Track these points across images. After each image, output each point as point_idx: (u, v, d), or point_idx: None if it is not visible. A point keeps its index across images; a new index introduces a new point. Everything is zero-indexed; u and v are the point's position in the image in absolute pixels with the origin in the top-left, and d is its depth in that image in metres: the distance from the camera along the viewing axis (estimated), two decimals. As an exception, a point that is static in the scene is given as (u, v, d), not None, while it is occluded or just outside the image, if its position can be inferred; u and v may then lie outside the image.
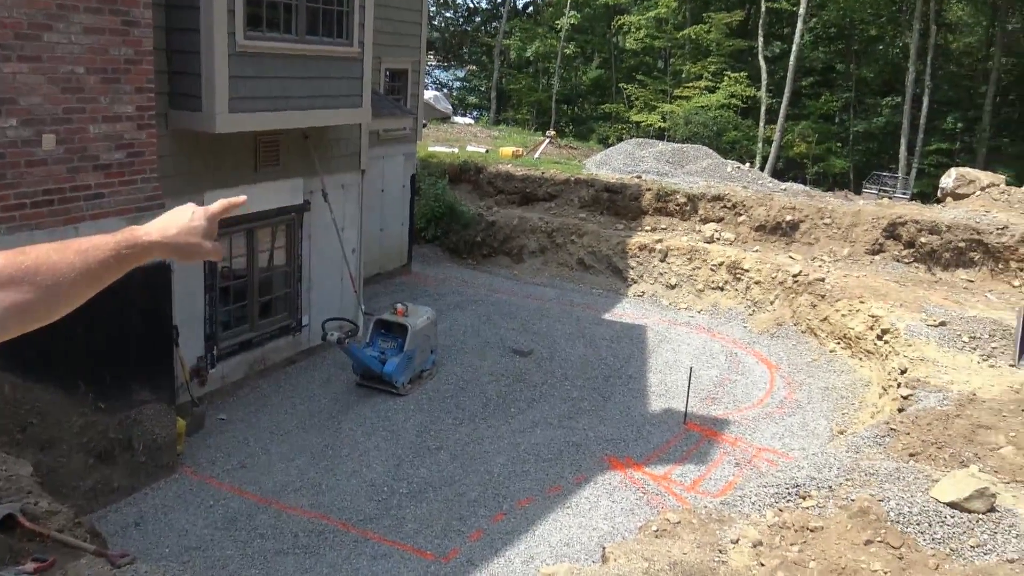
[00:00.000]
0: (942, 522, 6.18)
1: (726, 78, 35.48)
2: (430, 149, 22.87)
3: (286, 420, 10.85)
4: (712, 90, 35.46)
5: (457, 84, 50.45)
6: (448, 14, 49.56)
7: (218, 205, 1.78)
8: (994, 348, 11.21)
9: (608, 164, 21.31)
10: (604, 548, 6.06)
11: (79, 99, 7.73)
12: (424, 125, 22.22)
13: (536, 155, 24.25)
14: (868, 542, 6.01)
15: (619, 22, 38.67)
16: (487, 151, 23.47)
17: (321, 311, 12.52)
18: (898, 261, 16.11)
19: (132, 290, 8.40)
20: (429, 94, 31.19)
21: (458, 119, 35.74)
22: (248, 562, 7.90)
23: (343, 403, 11.46)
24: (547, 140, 26.69)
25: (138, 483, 8.81)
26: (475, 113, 45.84)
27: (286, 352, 12.36)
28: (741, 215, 17.88)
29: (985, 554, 5.85)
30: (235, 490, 9.13)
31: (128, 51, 8.07)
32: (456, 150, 23.28)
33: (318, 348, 12.73)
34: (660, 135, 34.19)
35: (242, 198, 1.85)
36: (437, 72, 49.39)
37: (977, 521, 6.21)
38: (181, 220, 1.69)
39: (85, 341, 8.06)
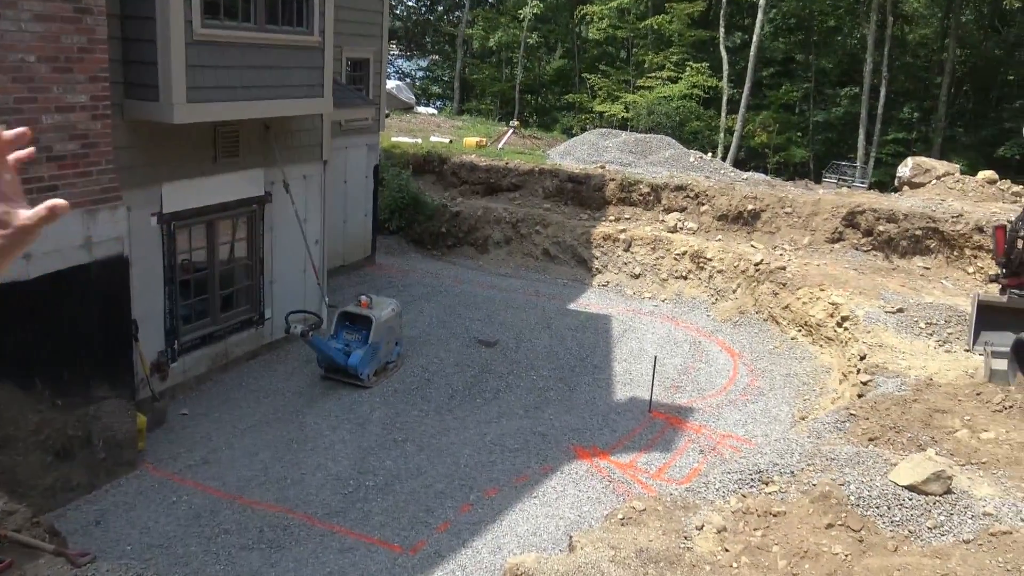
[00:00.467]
0: (900, 505, 6.32)
1: (688, 68, 35.73)
2: (393, 139, 22.70)
3: (250, 414, 10.74)
4: (674, 80, 35.68)
5: (420, 74, 50.12)
6: (410, 3, 49.25)
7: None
8: (950, 334, 11.46)
9: (572, 154, 21.35)
10: (571, 537, 6.09)
11: (30, 88, 7.53)
12: (387, 115, 22.05)
13: (500, 145, 24.21)
14: (829, 526, 6.12)
15: (582, 12, 38.68)
16: (451, 141, 23.37)
17: (284, 304, 12.40)
18: (857, 249, 16.37)
19: (89, 285, 8.24)
20: (392, 84, 30.94)
21: (421, 109, 35.53)
22: (212, 558, 7.82)
23: (308, 396, 11.37)
24: (511, 130, 26.65)
25: (98, 480, 8.66)
26: (438, 103, 45.59)
27: (249, 346, 12.22)
28: (704, 205, 18.03)
29: (942, 535, 5.99)
30: (198, 486, 9.02)
31: (81, 39, 7.88)
32: (420, 140, 23.14)
33: (282, 341, 12.60)
34: (623, 125, 34.33)
35: (24, 129, 1.40)
36: (400, 62, 49.02)
37: (934, 503, 6.35)
38: None
39: (41, 337, 7.89)
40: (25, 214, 1.32)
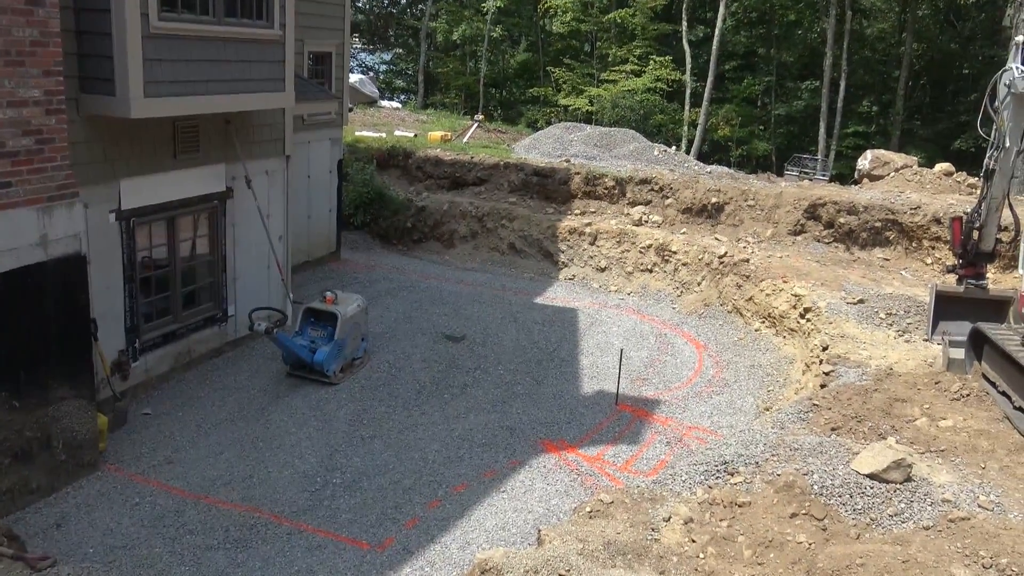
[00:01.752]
0: (862, 493, 6.43)
1: (652, 62, 35.90)
2: (357, 134, 22.52)
3: (214, 413, 10.61)
4: (638, 74, 35.83)
5: (383, 67, 49.72)
6: (373, -5, 48.77)
7: None
8: (909, 324, 11.68)
9: (537, 148, 21.36)
10: (540, 531, 6.11)
11: (-18, 83, 7.34)
12: (350, 109, 21.87)
13: (465, 139, 24.14)
14: (793, 515, 6.21)
15: (545, 5, 38.66)
16: (415, 135, 23.25)
17: (248, 300, 12.26)
18: (819, 241, 16.60)
19: (46, 283, 8.06)
20: (355, 77, 30.66)
21: (385, 103, 35.27)
22: (177, 559, 7.72)
23: (273, 394, 11.26)
24: (475, 124, 26.57)
25: (58, 482, 8.51)
26: (402, 97, 45.29)
27: (212, 343, 12.06)
28: (668, 198, 18.16)
29: (903, 522, 6.11)
30: (162, 486, 8.89)
31: (33, 32, 7.68)
32: (384, 135, 22.99)
33: (246, 338, 12.46)
34: (588, 119, 34.40)
35: None
36: (362, 55, 48.59)
37: (895, 491, 6.48)
38: None
39: (-4, 337, 7.71)
40: None
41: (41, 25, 7.76)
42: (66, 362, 8.47)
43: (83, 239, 8.59)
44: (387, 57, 50.29)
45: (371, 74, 45.46)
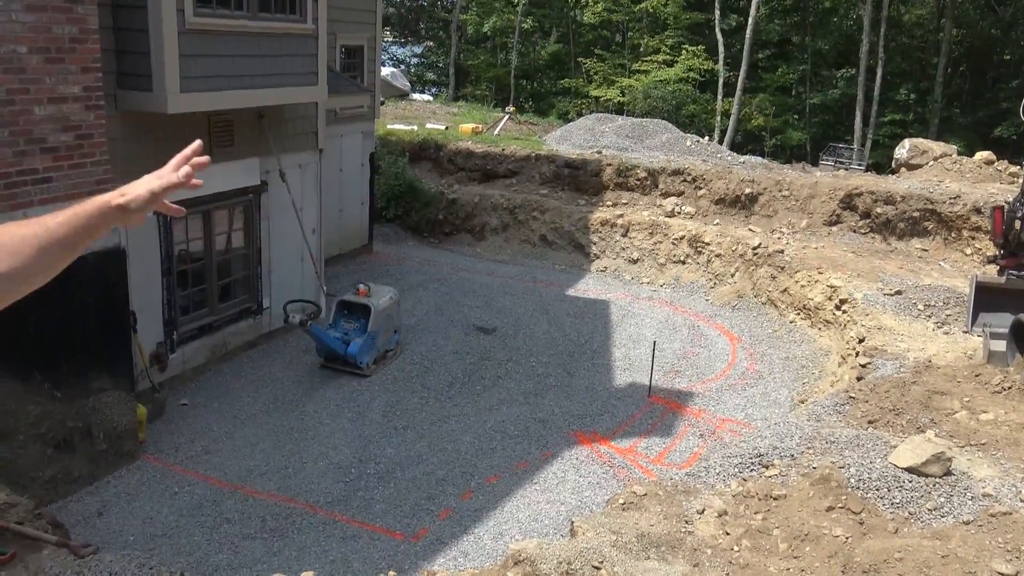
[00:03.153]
0: (900, 487, 6.34)
1: (684, 52, 35.58)
2: (388, 127, 22.61)
3: (250, 404, 10.74)
4: (670, 64, 35.55)
5: (414, 60, 49.83)
6: (404, -11, 48.89)
7: (171, 164, 1.95)
8: (948, 315, 11.48)
9: (568, 140, 21.29)
10: (572, 522, 6.11)
11: (22, 80, 7.47)
12: (382, 102, 21.95)
13: (496, 131, 24.13)
14: (830, 508, 6.14)
15: (576, -4, 38.51)
16: (446, 128, 23.28)
17: (282, 293, 12.38)
18: (855, 232, 16.37)
19: (87, 277, 8.21)
20: (386, 71, 30.78)
21: (416, 96, 35.36)
22: (215, 547, 7.84)
23: (307, 385, 11.37)
24: (506, 116, 26.54)
25: (99, 472, 8.67)
26: (433, 90, 45.37)
27: (247, 335, 12.21)
28: (701, 189, 18.01)
29: (942, 517, 6.01)
30: (200, 476, 9.03)
31: (72, 29, 7.81)
32: (415, 127, 23.05)
33: (280, 331, 12.59)
34: (619, 110, 34.23)
35: (197, 143, 1.95)
36: (394, 48, 48.73)
37: (934, 485, 6.37)
38: (137, 186, 1.86)
39: (39, 329, 7.87)
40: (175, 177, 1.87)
41: (80, 22, 7.88)
42: (106, 353, 8.63)
43: (122, 233, 8.73)
44: (418, 50, 50.39)
45: (402, 67, 45.61)
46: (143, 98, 9.18)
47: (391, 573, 6.41)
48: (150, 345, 10.31)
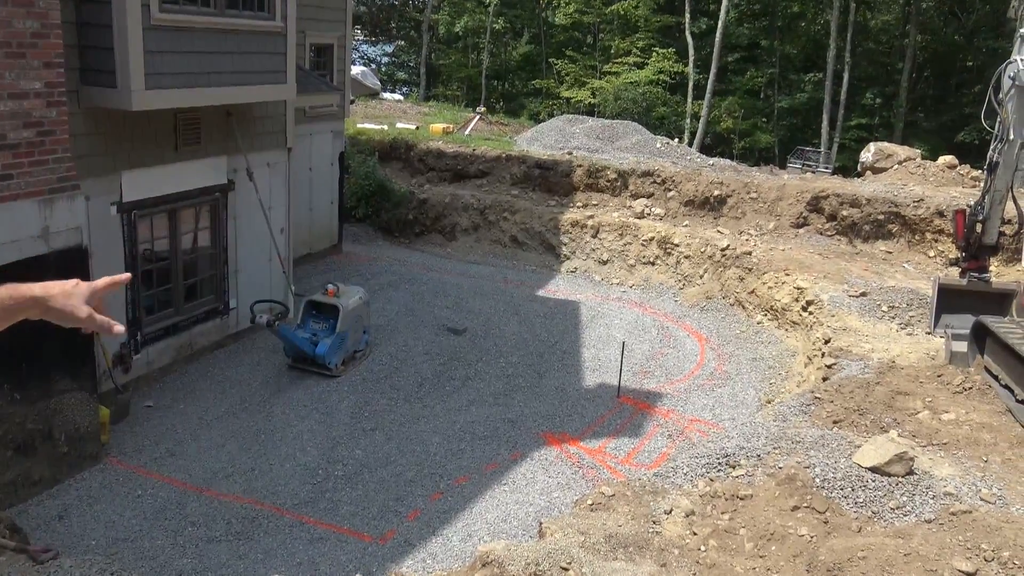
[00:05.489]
0: (864, 486, 6.42)
1: (654, 54, 35.80)
2: (359, 126, 22.48)
3: (216, 405, 10.61)
4: (641, 66, 35.75)
5: (385, 60, 49.66)
6: (375, -13, 48.62)
7: (102, 282, 1.99)
8: (911, 317, 11.65)
9: (539, 140, 21.31)
10: (541, 523, 6.11)
11: (-18, 75, 7.33)
12: (352, 101, 21.83)
13: (467, 132, 24.09)
14: (795, 508, 6.20)
15: (548, -3, 38.60)
16: (417, 128, 23.20)
17: (249, 293, 12.25)
18: (821, 234, 16.56)
19: (48, 276, 8.05)
20: (356, 70, 30.59)
21: (387, 95, 35.21)
22: (179, 551, 7.73)
23: (274, 386, 11.27)
24: (477, 116, 26.51)
25: (61, 474, 8.52)
26: (404, 89, 45.23)
27: (214, 336, 12.06)
28: (671, 190, 18.11)
29: (904, 515, 6.10)
30: (164, 478, 8.91)
31: (33, 24, 7.67)
32: (385, 127, 22.94)
33: (247, 331, 12.46)
34: (590, 111, 34.35)
35: (126, 276, 2.04)
36: (364, 47, 48.51)
37: (897, 484, 6.46)
38: (65, 285, 1.94)
39: (-2, 330, 7.71)
40: (84, 311, 1.91)
41: (42, 16, 7.74)
42: (68, 354, 8.48)
43: (84, 231, 8.59)
44: (389, 49, 50.21)
45: (373, 66, 45.39)
46: (107, 95, 9.04)
47: (358, 575, 6.37)
48: (113, 346, 10.14)
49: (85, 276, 8.53)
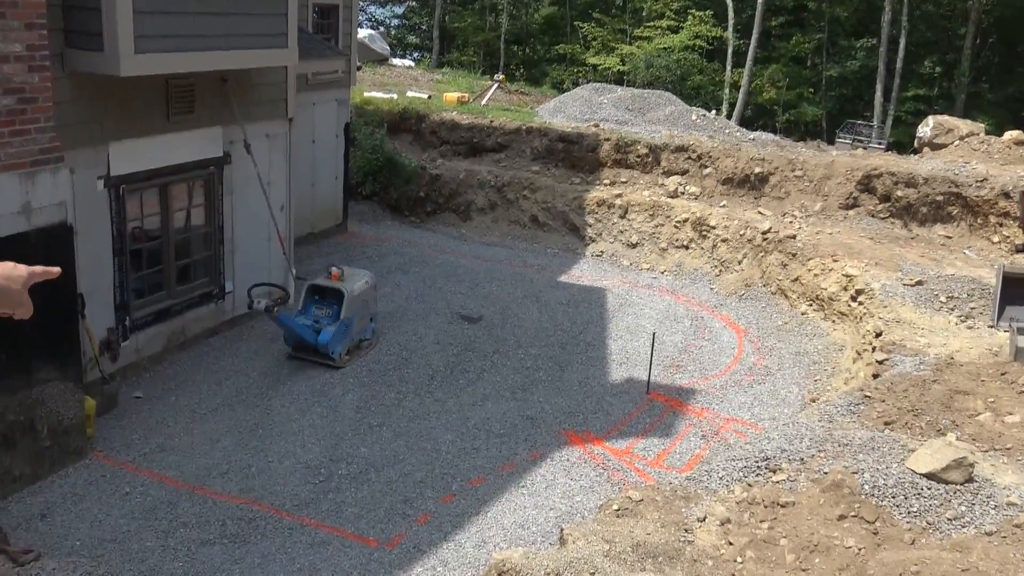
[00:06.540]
0: (918, 494, 6.37)
1: (690, 17, 35.53)
2: (366, 95, 22.48)
3: (210, 397, 10.69)
4: (675, 30, 35.49)
5: (395, 22, 49.55)
6: (384, -57, 48.53)
7: (39, 268, 2.10)
8: (972, 308, 11.53)
9: (563, 111, 21.23)
10: (562, 529, 6.11)
11: (-41, 36, 7.36)
12: (359, 68, 21.81)
13: (484, 101, 24.03)
14: (841, 517, 6.17)
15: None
16: (429, 97, 23.17)
17: (247, 276, 12.30)
18: (873, 216, 16.41)
19: (29, 256, 8.11)
20: (363, 33, 30.58)
21: (396, 61, 35.17)
22: (170, 554, 7.81)
23: (273, 377, 11.33)
24: (495, 85, 26.43)
25: (43, 470, 8.62)
26: (415, 54, 45.16)
27: (208, 322, 12.14)
28: (707, 167, 18.00)
29: (963, 527, 6.05)
30: (154, 475, 8.99)
31: (15, -19, 7.69)
32: (395, 96, 22.93)
33: (244, 317, 12.53)
34: (619, 80, 34.17)
35: (56, 269, 2.15)
36: (372, 8, 48.42)
37: (955, 492, 6.41)
38: (4, 268, 2.03)
39: (-24, 313, 7.78)
40: (24, 297, 2.03)
41: (23, -27, 7.76)
42: (50, 341, 8.55)
43: (69, 208, 8.64)
44: (399, 11, 50.08)
45: (381, 29, 45.30)
46: (93, 59, 9.06)
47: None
48: (100, 331, 10.22)
49: (70, 256, 8.63)
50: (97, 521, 8.17)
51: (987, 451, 7.31)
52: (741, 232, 16.20)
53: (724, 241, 16.43)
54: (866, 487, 6.45)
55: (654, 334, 12.71)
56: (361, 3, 23.23)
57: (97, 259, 10.00)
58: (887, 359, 9.94)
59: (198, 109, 11.15)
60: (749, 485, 6.75)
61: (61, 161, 8.44)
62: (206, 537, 8.08)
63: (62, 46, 9.01)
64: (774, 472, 6.93)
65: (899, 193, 16.22)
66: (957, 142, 19.10)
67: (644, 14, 37.35)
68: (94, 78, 9.35)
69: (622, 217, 17.76)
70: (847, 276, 13.19)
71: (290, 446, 9.74)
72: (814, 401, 10.95)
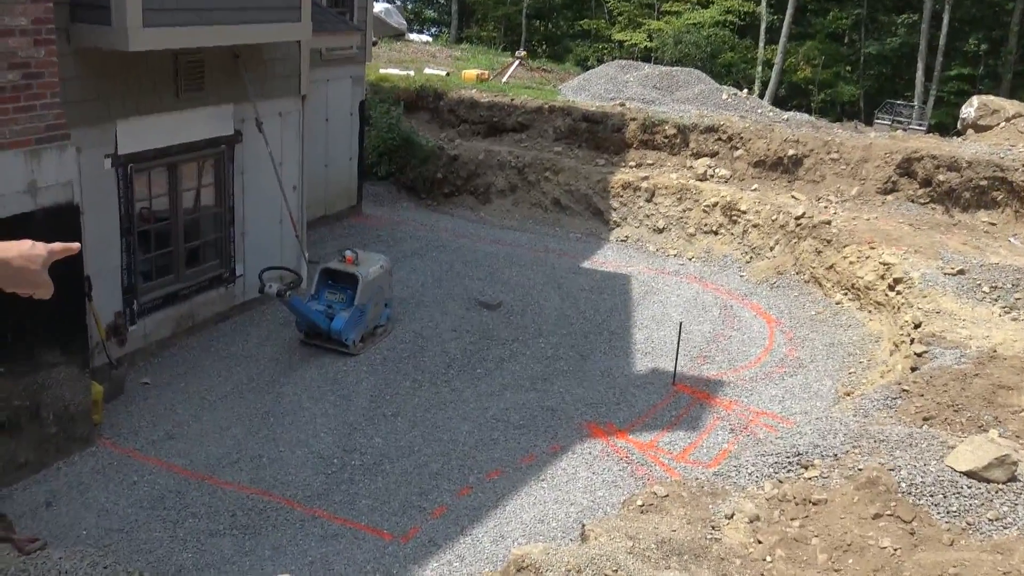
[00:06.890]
0: (958, 493, 6.31)
1: (722, -9, 35.19)
2: (382, 71, 22.48)
3: (220, 384, 10.76)
4: (706, 5, 35.23)
5: (413, -5, 49.45)
6: (402, -87, 48.37)
7: (58, 246, 2.11)
8: (1017, 299, 11.42)
9: (587, 90, 21.15)
10: (584, 525, 6.12)
11: (-37, 9, 7.40)
12: (374, 43, 21.79)
13: (504, 79, 23.97)
14: (877, 516, 6.12)
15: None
16: (448, 74, 23.14)
17: (258, 259, 12.35)
18: (913, 202, 16.26)
19: (34, 237, 8.16)
20: (380, 7, 30.56)
21: (414, 36, 35.13)
22: (179, 545, 7.88)
23: (285, 364, 11.39)
24: (517, 62, 26.36)
25: (49, 457, 8.71)
26: (433, 30, 45.09)
27: (218, 306, 12.21)
28: (738, 149, 17.89)
29: (1005, 528, 5.99)
30: (162, 464, 9.07)
31: (21, -48, 7.72)
32: (412, 73, 22.92)
33: (255, 302, 12.59)
34: (646, 57, 33.98)
35: (76, 245, 2.15)
36: (389, -19, 48.34)
37: (996, 492, 6.35)
38: (22, 247, 2.03)
39: (-19, 295, 7.85)
40: (44, 277, 2.03)
41: (28, -57, 7.78)
42: (56, 324, 8.62)
43: (75, 187, 8.69)
44: (417, -16, 49.95)
45: (398, 3, 45.23)
46: (100, 33, 9.09)
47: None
48: (107, 315, 10.31)
49: (76, 237, 8.66)
50: (104, 510, 8.26)
51: (1031, 449, 7.23)
52: (773, 217, 16.09)
53: (755, 226, 16.33)
54: (903, 485, 6.40)
55: (681, 323, 12.67)
56: (377, -24, 23.29)
57: (104, 240, 10.07)
58: (926, 351, 9.87)
59: (208, 86, 11.18)
60: (780, 482, 6.72)
61: (67, 139, 8.49)
62: (215, 528, 8.15)
63: (68, 20, 9.05)
64: (806, 468, 6.89)
65: (940, 177, 16.06)
66: (1003, 124, 18.85)
67: (673, -12, 37.10)
68: (101, 53, 9.39)
69: (648, 201, 17.69)
70: (884, 264, 13.08)
71: (302, 435, 9.80)
72: (848, 395, 10.89)
